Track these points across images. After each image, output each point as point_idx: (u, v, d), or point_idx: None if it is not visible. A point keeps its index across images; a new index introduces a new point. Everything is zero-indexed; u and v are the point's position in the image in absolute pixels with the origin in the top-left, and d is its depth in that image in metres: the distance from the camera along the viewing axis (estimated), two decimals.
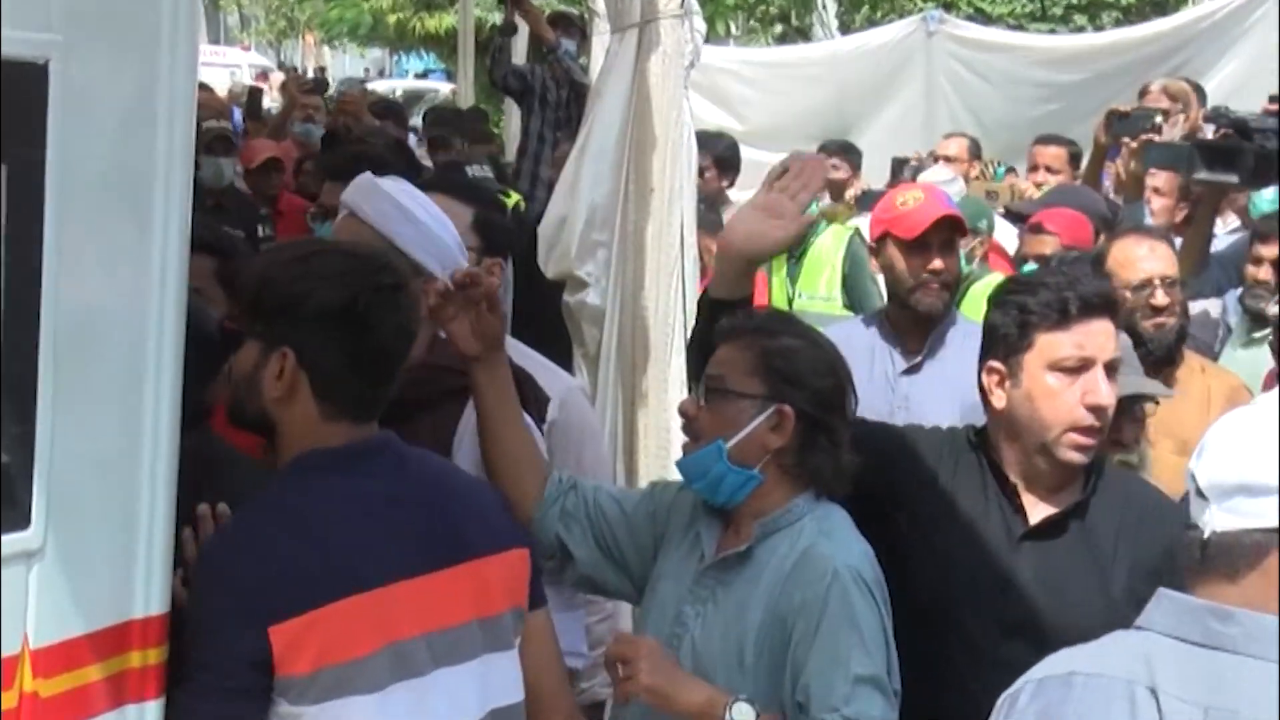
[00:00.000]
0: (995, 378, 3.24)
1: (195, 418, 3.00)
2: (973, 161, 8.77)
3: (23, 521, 2.24)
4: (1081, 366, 3.14)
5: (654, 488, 3.45)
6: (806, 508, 3.04)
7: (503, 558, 2.80)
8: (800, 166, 3.28)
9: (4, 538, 2.22)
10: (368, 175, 3.45)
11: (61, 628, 2.32)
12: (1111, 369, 3.17)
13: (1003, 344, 3.23)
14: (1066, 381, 3.14)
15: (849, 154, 9.47)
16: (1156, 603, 2.08)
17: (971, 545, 3.18)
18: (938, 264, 4.49)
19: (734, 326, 3.14)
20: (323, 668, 2.51)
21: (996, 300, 3.31)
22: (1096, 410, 3.13)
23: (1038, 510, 3.21)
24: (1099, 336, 3.16)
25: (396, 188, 3.33)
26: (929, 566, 3.19)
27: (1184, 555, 2.08)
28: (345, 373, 2.68)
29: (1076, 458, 3.16)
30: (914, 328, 4.58)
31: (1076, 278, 3.20)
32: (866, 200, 7.53)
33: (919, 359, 4.56)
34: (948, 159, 8.60)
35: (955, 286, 4.71)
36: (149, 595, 2.43)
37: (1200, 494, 2.05)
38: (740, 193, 8.68)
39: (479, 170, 7.90)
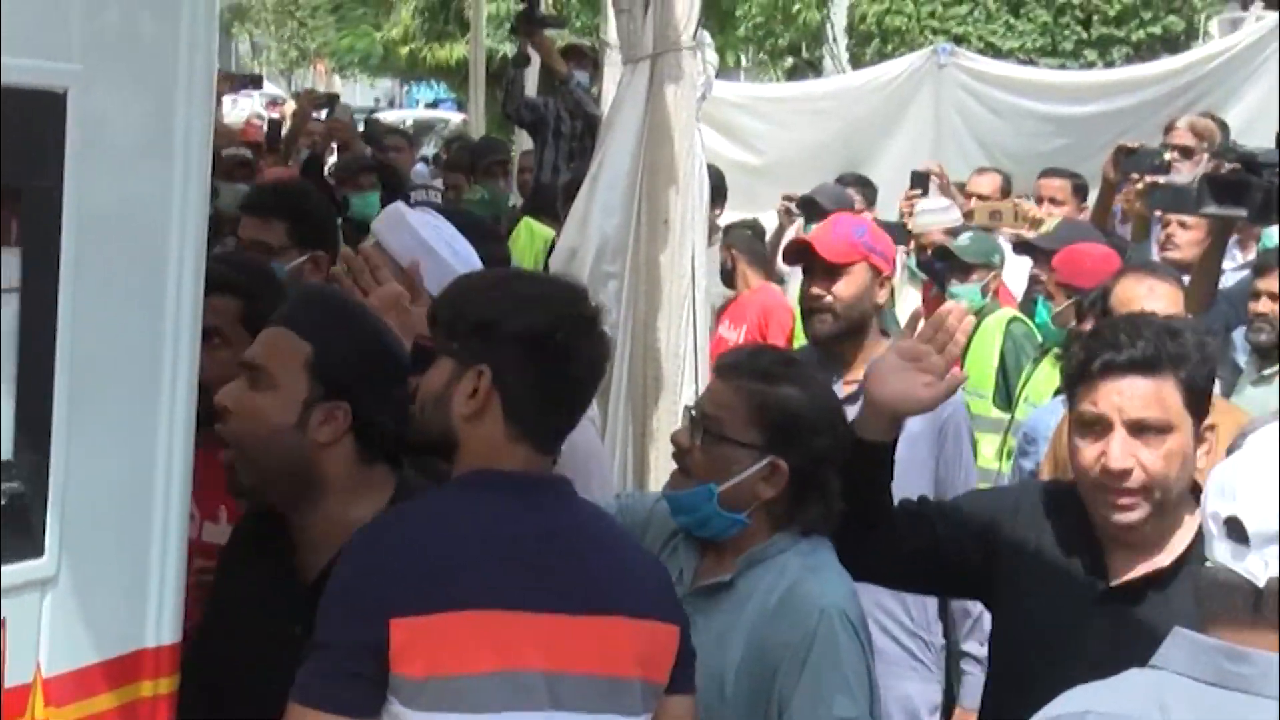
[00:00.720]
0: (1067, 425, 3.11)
1: (399, 451, 2.89)
2: (1004, 199, 8.72)
3: (36, 550, 2.25)
4: (1097, 424, 2.93)
5: (628, 499, 3.43)
6: (790, 542, 3.03)
7: (642, 625, 2.66)
8: (943, 318, 3.07)
9: (18, 566, 2.22)
10: (397, 206, 3.48)
11: (74, 656, 2.32)
12: (1139, 429, 2.90)
13: (1065, 394, 3.12)
14: (1088, 440, 2.94)
15: (865, 187, 9.49)
16: (1172, 641, 2.08)
17: (1049, 605, 3.03)
18: (814, 290, 4.36)
19: (737, 365, 3.12)
20: (434, 675, 2.49)
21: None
22: (1106, 474, 2.91)
23: (1125, 571, 3.01)
24: (1114, 396, 2.91)
25: (422, 220, 3.36)
26: (1012, 626, 3.13)
27: (1215, 600, 2.04)
28: (537, 398, 2.64)
29: (1113, 517, 2.94)
30: (833, 355, 4.39)
31: (1133, 332, 2.96)
32: None
33: (857, 388, 4.46)
34: (981, 197, 8.55)
35: (849, 314, 4.37)
36: (160, 625, 2.44)
37: (1239, 538, 2.00)
38: (730, 214, 8.74)
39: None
